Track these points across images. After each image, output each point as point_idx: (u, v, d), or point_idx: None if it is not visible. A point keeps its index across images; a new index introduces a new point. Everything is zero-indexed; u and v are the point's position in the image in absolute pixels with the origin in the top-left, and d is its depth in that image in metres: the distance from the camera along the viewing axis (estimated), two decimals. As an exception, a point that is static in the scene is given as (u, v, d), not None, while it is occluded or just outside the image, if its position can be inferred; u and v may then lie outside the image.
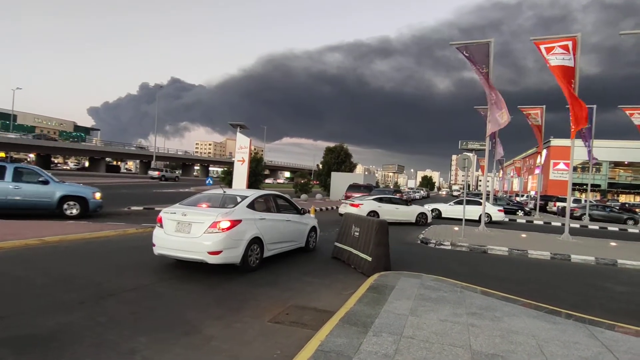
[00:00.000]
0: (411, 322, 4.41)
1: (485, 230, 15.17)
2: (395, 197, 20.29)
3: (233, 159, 17.04)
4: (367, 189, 24.78)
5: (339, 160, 38.91)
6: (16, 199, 11.38)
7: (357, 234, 7.78)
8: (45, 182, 11.94)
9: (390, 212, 17.02)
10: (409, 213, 17.72)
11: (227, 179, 25.03)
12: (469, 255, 10.60)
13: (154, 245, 6.62)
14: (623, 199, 56.19)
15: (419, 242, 12.21)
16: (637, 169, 56.76)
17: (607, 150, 51.52)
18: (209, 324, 4.37)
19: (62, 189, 12.21)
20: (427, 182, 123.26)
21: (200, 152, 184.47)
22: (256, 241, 6.90)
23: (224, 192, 7.65)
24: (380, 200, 17.51)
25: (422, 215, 17.90)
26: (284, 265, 7.56)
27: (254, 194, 7.53)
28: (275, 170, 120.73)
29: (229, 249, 6.30)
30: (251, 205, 7.10)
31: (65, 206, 12.07)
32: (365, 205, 16.79)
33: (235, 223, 6.41)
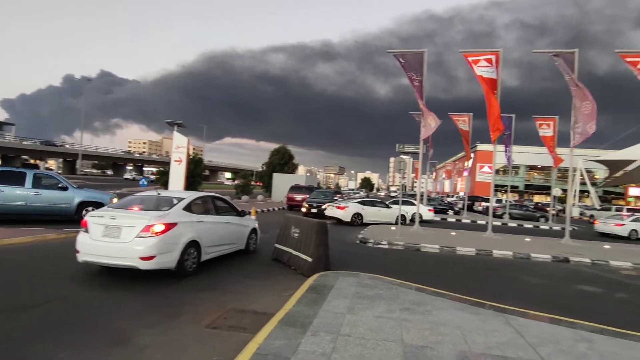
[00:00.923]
0: (348, 320, 4.55)
1: (419, 229, 16.05)
2: (377, 200, 21.51)
3: (170, 159, 16.26)
4: (308, 190, 24.99)
5: (283, 161, 38.88)
6: (36, 205, 11.34)
7: (297, 235, 7.84)
8: (65, 188, 11.97)
9: (372, 213, 18.33)
10: (389, 214, 18.92)
11: (162, 180, 23.82)
12: (404, 253, 11.15)
13: (77, 251, 6.12)
14: (537, 199, 62.57)
15: (358, 241, 12.58)
16: (548, 172, 63.48)
17: (524, 155, 57.04)
18: (141, 332, 4.15)
19: (80, 195, 12.28)
20: (367, 184, 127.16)
21: (134, 151, 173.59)
22: (193, 245, 6.68)
23: (158, 193, 7.29)
24: (363, 203, 18.89)
25: (401, 216, 18.48)
26: (223, 269, 7.39)
27: (190, 195, 7.27)
28: (215, 170, 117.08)
29: (164, 254, 6.02)
30: (188, 208, 6.85)
31: (83, 212, 11.57)
32: (350, 207, 18.01)
33: (170, 226, 6.14)
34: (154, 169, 55.66)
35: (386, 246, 11.90)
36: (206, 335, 4.19)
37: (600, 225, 21.73)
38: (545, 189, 63.54)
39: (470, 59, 14.49)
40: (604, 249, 13.96)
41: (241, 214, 8.74)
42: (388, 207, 19.65)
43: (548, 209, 32.43)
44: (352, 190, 62.51)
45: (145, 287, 5.83)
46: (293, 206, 24.20)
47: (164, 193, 7.49)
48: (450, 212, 30.56)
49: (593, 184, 48.84)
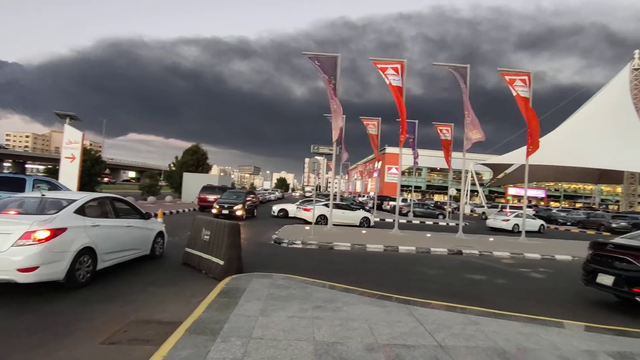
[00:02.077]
0: (261, 322, 4.48)
1: (333, 229, 16.57)
2: (342, 203, 22.13)
3: (60, 156, 14.35)
4: (221, 190, 24.16)
5: (198, 162, 37.07)
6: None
7: (207, 237, 7.50)
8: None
9: (338, 216, 19.02)
10: (354, 217, 20.13)
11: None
12: (318, 252, 11.40)
13: None
14: (436, 198, 69.04)
15: (272, 242, 12.53)
16: (445, 174, 70.49)
17: (426, 158, 62.49)
18: (21, 357, 3.57)
19: (76, 197, 10.26)
20: (282, 184, 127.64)
21: (13, 145, 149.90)
22: (87, 252, 5.97)
23: (43, 195, 6.37)
24: (328, 205, 19.17)
25: (365, 219, 20.36)
26: (126, 276, 6.76)
27: (84, 197, 6.49)
28: (117, 169, 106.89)
29: (49, 264, 5.28)
30: (80, 211, 6.11)
31: None
32: (315, 210, 18.15)
33: (57, 232, 5.41)
34: (41, 167, 48.74)
35: (300, 246, 12.05)
36: (102, 353, 3.77)
37: (491, 221, 24.87)
38: (443, 189, 70.36)
39: (379, 66, 15.42)
40: (490, 242, 15.95)
41: (145, 216, 8.07)
42: (352, 209, 20.94)
43: (446, 207, 35.96)
44: (266, 190, 62.05)
45: (29, 303, 5.06)
46: (205, 207, 23.19)
47: (50, 194, 6.57)
48: (362, 212, 32.06)
49: (481, 185, 55.50)
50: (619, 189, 58.15)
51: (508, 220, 23.56)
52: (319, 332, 4.26)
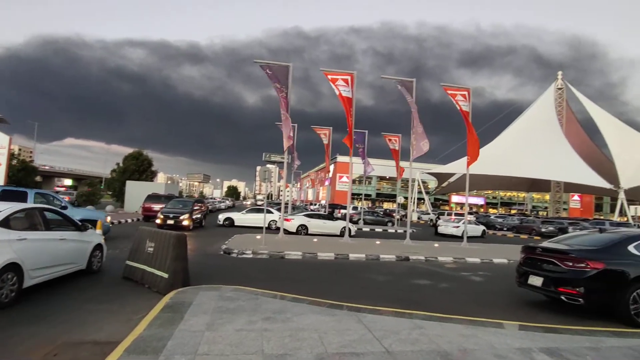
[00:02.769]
0: (207, 337, 4.32)
1: (284, 237, 16.46)
2: (323, 213, 22.51)
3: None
4: (167, 199, 23.12)
5: (140, 168, 35.10)
6: None
7: (151, 249, 7.13)
8: (64, 208, 12.24)
9: (318, 225, 19.59)
10: (334, 227, 20.25)
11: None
12: (269, 261, 11.26)
13: None
14: (386, 205, 71.14)
15: (221, 252, 12.18)
16: (394, 182, 72.99)
17: (376, 167, 64.30)
18: None
19: (79, 213, 12.57)
20: (233, 192, 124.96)
21: None
22: (12, 268, 5.41)
23: None
24: (309, 216, 20.29)
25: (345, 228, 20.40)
26: (59, 294, 6.22)
27: (9, 208, 5.90)
28: (51, 176, 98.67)
29: (-36, 283, 4.73)
30: (4, 223, 5.54)
31: None
32: (296, 219, 19.48)
33: (-25, 247, 4.86)
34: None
35: (251, 256, 11.83)
36: (25, 380, 3.42)
37: (442, 228, 26.03)
38: (392, 197, 72.72)
39: (330, 77, 15.72)
40: (435, 247, 16.69)
41: (81, 228, 7.51)
42: (332, 219, 21.23)
43: (394, 214, 37.16)
44: (214, 199, 60.34)
45: None
46: (150, 217, 22.02)
47: None
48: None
49: (427, 193, 58.07)
50: (547, 197, 63.56)
51: (458, 226, 24.92)
52: (268, 345, 4.19)
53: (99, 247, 8.12)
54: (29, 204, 7.09)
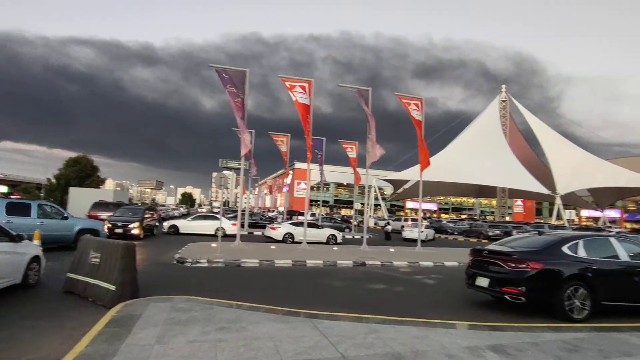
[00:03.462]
0: (157, 351, 4.12)
1: (241, 245, 16.14)
2: (310, 221, 22.09)
3: None
4: (116, 206, 21.91)
5: (83, 174, 32.91)
6: (42, 235, 10.75)
7: (96, 260, 6.70)
8: (65, 218, 13.10)
9: (303, 233, 18.87)
10: (320, 234, 20.67)
11: None
12: (225, 270, 10.98)
13: None
14: (343, 212, 71.99)
15: (174, 262, 11.71)
16: (351, 189, 74.17)
17: (333, 174, 65.02)
18: None
19: (79, 223, 13.48)
20: (188, 199, 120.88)
21: None
22: None
23: None
24: (295, 224, 20.69)
25: (332, 236, 21.01)
26: (-13, 311, 5.66)
27: None
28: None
29: None
30: None
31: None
32: (282, 228, 20.03)
33: None
34: None
35: (206, 264, 11.48)
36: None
37: (407, 233, 26.96)
38: (349, 203, 73.74)
39: (287, 83, 15.76)
40: (390, 252, 17.11)
41: (16, 238, 6.94)
42: (318, 227, 21.49)
43: (352, 220, 37.68)
44: (164, 206, 58.02)
45: None
46: (96, 226, 20.72)
47: None
48: (271, 226, 31.91)
49: (383, 199, 59.52)
50: (494, 202, 67.42)
51: (422, 231, 25.90)
52: (222, 355, 4.07)
53: (36, 259, 7.53)
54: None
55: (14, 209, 11.78)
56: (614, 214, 60.67)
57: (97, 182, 34.83)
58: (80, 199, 27.11)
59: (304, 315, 5.95)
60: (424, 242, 20.35)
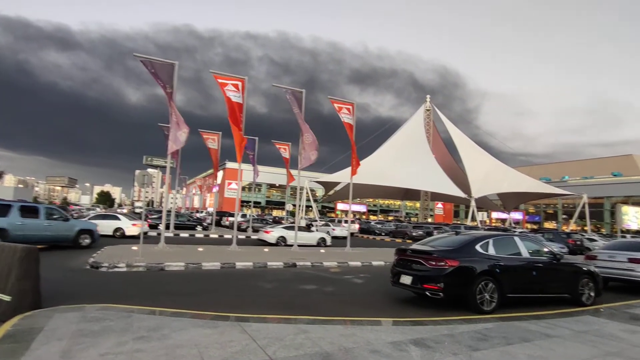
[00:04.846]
0: (62, 367, 3.68)
1: (165, 247, 15.21)
2: (300, 225, 22.78)
3: None
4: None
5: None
6: (47, 234, 13.65)
7: (-12, 267, 5.83)
8: (66, 219, 14.63)
9: (294, 237, 19.67)
10: (311, 237, 21.83)
11: None
12: (147, 274, 10.25)
13: None
14: (275, 213, 71.55)
15: (88, 267, 10.65)
16: (283, 190, 74.07)
17: (266, 175, 64.32)
18: None
19: (79, 224, 15.31)
20: (106, 198, 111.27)
21: None
22: None
23: None
24: (288, 228, 21.62)
25: (322, 239, 22.13)
26: None
27: None
28: None
29: None
30: None
31: (80, 238, 14.69)
32: (275, 232, 20.72)
33: None
34: None
35: (125, 269, 10.60)
36: None
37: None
38: (281, 204, 73.48)
39: (219, 80, 15.24)
40: (321, 253, 17.34)
41: None
42: (309, 230, 22.65)
43: (283, 221, 37.57)
44: (77, 205, 52.92)
45: None
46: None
47: None
48: (199, 228, 30.62)
49: (315, 200, 60.27)
50: (417, 204, 71.83)
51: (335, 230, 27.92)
52: (139, 367, 3.77)
53: None
54: None
55: (26, 212, 13.33)
56: (518, 216, 68.26)
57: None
58: (-30, 197, 23.54)
59: (233, 319, 5.76)
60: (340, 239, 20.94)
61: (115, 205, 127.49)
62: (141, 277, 9.90)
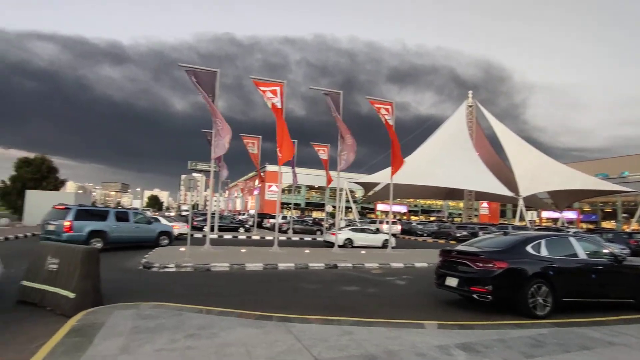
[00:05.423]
0: (121, 361, 3.92)
1: (210, 249, 15.77)
2: (366, 227, 24.07)
3: None
4: (77, 210, 20.86)
5: (38, 175, 31.00)
6: (134, 235, 15.70)
7: (54, 266, 6.32)
8: (149, 222, 16.78)
9: (362, 238, 21.53)
10: (376, 239, 22.26)
11: None
12: (194, 274, 10.68)
13: None
14: (315, 214, 72.03)
15: (141, 267, 11.28)
16: (323, 191, 74.42)
17: (305, 176, 64.93)
18: None
19: (159, 227, 17.20)
20: (154, 202, 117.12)
21: None
22: None
23: None
24: (354, 230, 22.42)
25: (387, 240, 21.70)
26: None
27: None
28: None
29: None
30: None
31: (160, 239, 16.67)
32: (342, 234, 21.02)
33: None
34: None
35: (174, 269, 11.12)
36: None
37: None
38: (321, 206, 73.89)
39: (261, 88, 15.59)
40: (361, 254, 17.23)
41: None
42: (375, 233, 22.90)
43: (323, 223, 37.74)
44: (122, 208, 55.98)
45: None
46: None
47: None
48: (242, 230, 31.47)
49: (354, 201, 60.04)
50: (461, 204, 69.49)
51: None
52: (191, 363, 3.93)
53: None
54: None
55: (120, 217, 15.33)
56: (571, 215, 64.10)
57: (56, 184, 32.96)
58: (38, 202, 25.69)
59: (276, 319, 5.86)
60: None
61: (164, 209, 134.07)
62: (189, 277, 10.33)
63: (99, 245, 13.72)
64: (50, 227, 13.65)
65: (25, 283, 6.71)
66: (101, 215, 14.95)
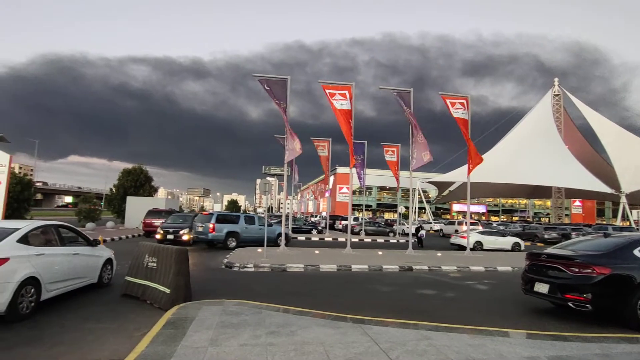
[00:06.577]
0: (211, 353, 4.24)
1: (285, 250, 16.36)
2: (495, 230, 24.58)
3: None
4: (168, 214, 23.07)
5: (137, 183, 34.95)
6: (258, 236, 17.89)
7: (152, 264, 7.07)
8: (270, 225, 19.21)
9: (491, 241, 21.78)
10: (505, 242, 22.30)
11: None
12: (271, 275, 11.16)
13: None
14: (387, 215, 70.96)
15: (223, 266, 12.09)
16: (394, 192, 72.97)
17: (376, 177, 64.36)
18: None
19: (278, 229, 19.37)
20: (233, 205, 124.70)
21: None
22: (31, 282, 5.66)
23: None
24: (483, 233, 22.65)
25: (516, 243, 22.31)
26: (58, 311, 6.13)
27: (27, 225, 6.20)
28: (50, 194, 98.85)
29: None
30: (24, 240, 5.83)
31: (278, 239, 18.30)
32: (472, 237, 20.82)
33: None
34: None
35: (252, 269, 11.73)
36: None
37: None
38: (393, 207, 72.59)
39: (328, 91, 15.82)
40: (438, 257, 16.56)
41: (93, 243, 7.81)
42: (504, 236, 23.09)
43: (395, 224, 36.99)
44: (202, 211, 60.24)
45: None
46: (151, 232, 21.92)
47: None
48: (314, 232, 32.13)
49: (427, 202, 57.96)
50: (548, 203, 63.45)
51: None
52: (272, 359, 4.11)
53: (109, 261, 8.45)
54: (46, 221, 7.04)
55: (247, 220, 18.76)
56: (689, 213, 54.89)
57: (151, 191, 36.78)
58: (136, 207, 28.89)
59: (352, 321, 5.88)
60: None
61: (240, 212, 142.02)
62: (267, 276, 10.82)
63: (233, 244, 17.47)
64: (199, 229, 17.29)
65: (128, 279, 7.60)
66: (234, 219, 18.60)
